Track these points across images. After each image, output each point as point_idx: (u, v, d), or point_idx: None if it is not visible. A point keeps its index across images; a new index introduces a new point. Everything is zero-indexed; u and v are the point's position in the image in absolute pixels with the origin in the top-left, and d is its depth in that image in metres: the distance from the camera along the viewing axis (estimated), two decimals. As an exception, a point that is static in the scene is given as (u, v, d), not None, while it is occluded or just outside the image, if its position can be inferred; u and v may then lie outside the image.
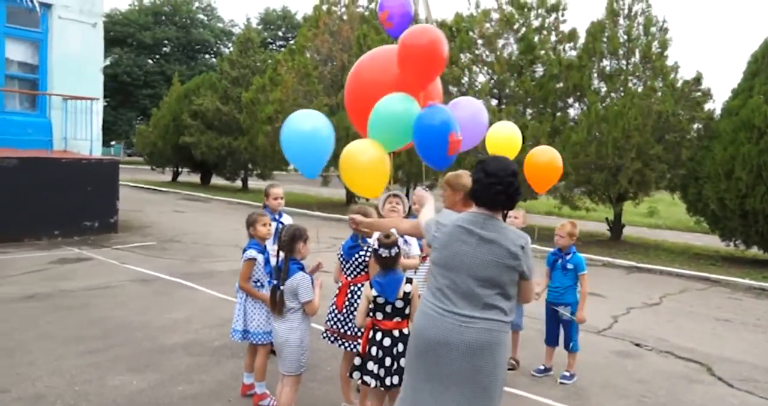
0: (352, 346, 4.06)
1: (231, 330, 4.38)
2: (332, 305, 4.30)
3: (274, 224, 4.79)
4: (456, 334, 2.77)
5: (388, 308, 3.58)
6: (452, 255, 2.86)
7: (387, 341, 3.57)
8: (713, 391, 5.13)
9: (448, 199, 3.84)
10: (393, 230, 3.61)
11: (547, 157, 5.03)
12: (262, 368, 4.31)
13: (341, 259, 4.30)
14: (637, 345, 6.34)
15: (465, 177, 3.68)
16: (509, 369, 5.27)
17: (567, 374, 5.12)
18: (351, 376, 3.72)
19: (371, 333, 3.63)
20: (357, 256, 4.13)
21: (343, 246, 4.31)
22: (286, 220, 5.15)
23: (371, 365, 3.57)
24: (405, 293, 3.58)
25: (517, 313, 5.40)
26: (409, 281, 3.64)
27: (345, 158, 4.02)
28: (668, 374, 5.47)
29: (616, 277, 10.49)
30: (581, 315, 5.06)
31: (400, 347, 3.56)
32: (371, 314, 3.66)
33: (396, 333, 3.58)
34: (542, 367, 5.24)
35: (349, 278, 4.17)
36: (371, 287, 3.62)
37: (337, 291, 4.24)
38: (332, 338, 4.27)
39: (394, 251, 3.57)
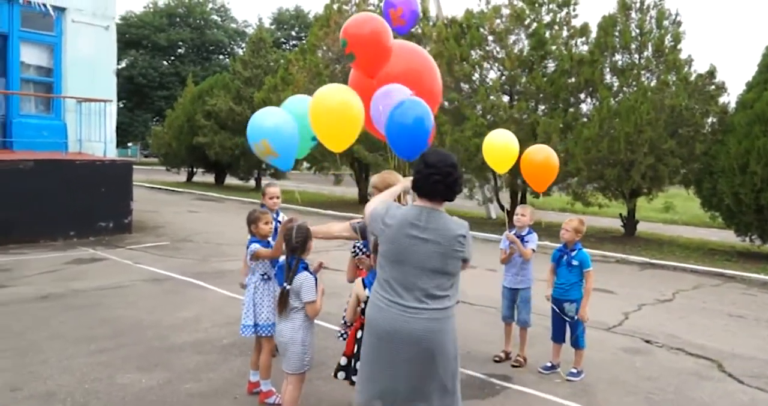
0: None
1: (241, 327, 4.39)
2: None
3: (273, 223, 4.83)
4: (403, 323, 2.92)
5: None
6: (400, 249, 2.99)
7: None
8: (723, 387, 5.08)
9: None
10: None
11: (542, 156, 5.02)
12: (267, 364, 4.35)
13: (362, 254, 4.30)
14: (647, 342, 6.30)
15: (392, 177, 3.82)
16: (516, 366, 5.28)
17: (574, 370, 5.10)
18: (335, 376, 3.74)
19: (360, 332, 3.64)
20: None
21: (364, 242, 4.32)
22: (283, 219, 5.19)
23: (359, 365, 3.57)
24: None
25: (525, 310, 5.41)
26: None
27: (314, 103, 3.91)
28: (677, 371, 5.43)
29: (629, 273, 10.41)
30: (583, 313, 5.05)
31: None
32: (362, 312, 3.67)
33: None
34: (549, 364, 5.23)
35: (360, 279, 4.18)
36: (364, 287, 3.63)
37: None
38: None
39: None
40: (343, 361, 3.70)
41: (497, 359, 5.42)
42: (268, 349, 4.38)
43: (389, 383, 2.97)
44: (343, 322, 4.44)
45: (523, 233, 5.38)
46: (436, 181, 3.01)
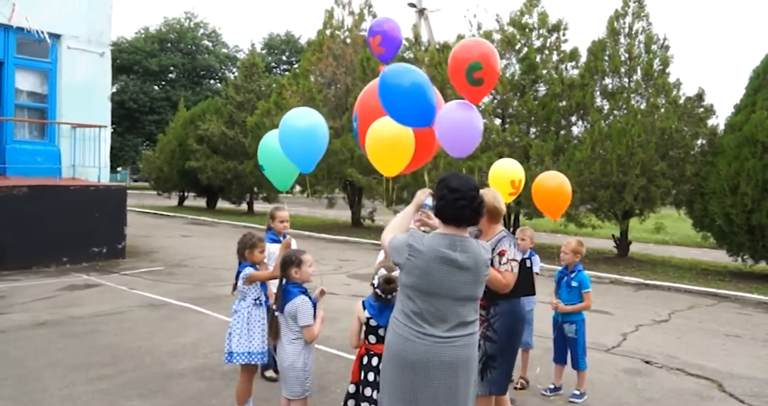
0: None
1: (237, 355, 4.36)
2: None
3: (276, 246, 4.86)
4: (435, 355, 2.88)
5: (381, 332, 3.55)
6: (434, 282, 2.89)
7: None
8: (725, 408, 5.10)
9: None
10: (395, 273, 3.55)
11: (555, 183, 5.00)
12: (242, 390, 4.39)
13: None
14: (647, 362, 6.31)
15: (486, 194, 3.72)
16: (519, 388, 5.27)
17: (577, 392, 5.10)
18: (346, 404, 3.70)
19: (366, 359, 3.63)
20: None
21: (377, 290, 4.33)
22: (291, 243, 5.19)
23: (369, 391, 3.55)
24: None
25: (527, 332, 5.39)
26: None
27: (371, 134, 4.19)
28: (679, 392, 5.44)
29: (624, 294, 10.45)
30: (562, 306, 5.12)
31: None
32: (363, 336, 3.67)
33: None
34: (552, 386, 5.23)
35: (361, 301, 4.20)
36: (364, 309, 3.64)
37: None
38: None
39: (390, 295, 3.57)
40: (352, 389, 3.67)
41: (518, 386, 5.37)
42: (243, 374, 4.40)
43: None
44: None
45: (525, 256, 5.39)
46: (463, 206, 2.95)
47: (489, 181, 5.13)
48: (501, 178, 5.06)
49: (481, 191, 3.25)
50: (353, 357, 4.19)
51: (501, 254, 3.76)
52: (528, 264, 3.92)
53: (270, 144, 4.42)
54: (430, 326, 2.90)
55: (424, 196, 3.39)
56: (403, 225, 3.24)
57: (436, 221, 3.21)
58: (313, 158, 4.27)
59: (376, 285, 3.63)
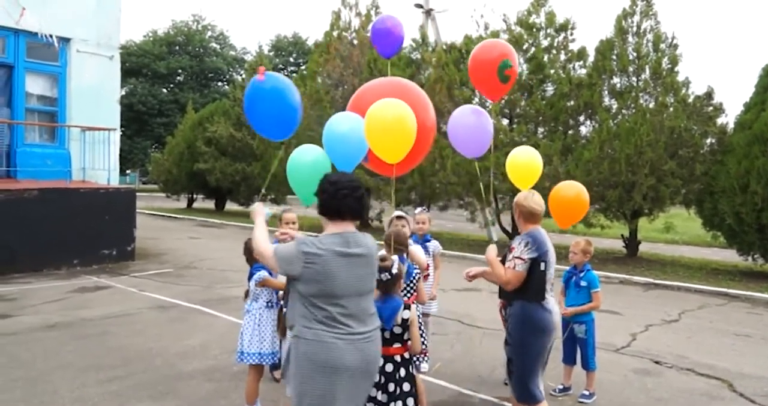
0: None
1: (248, 355, 4.42)
2: None
3: None
4: (359, 352, 2.88)
5: (387, 334, 3.57)
6: (338, 284, 2.84)
7: (389, 367, 3.59)
8: (735, 408, 5.07)
9: (516, 219, 4.09)
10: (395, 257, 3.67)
11: (573, 193, 4.83)
12: (252, 391, 4.42)
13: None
14: (657, 363, 6.28)
15: (518, 197, 4.01)
16: (506, 384, 5.28)
17: (586, 392, 5.08)
18: None
19: None
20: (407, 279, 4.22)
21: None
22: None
23: (374, 392, 3.56)
24: (403, 319, 3.59)
25: None
26: (407, 307, 3.64)
27: (370, 117, 4.01)
28: (689, 392, 5.41)
29: (633, 294, 10.40)
30: (570, 310, 5.07)
31: (402, 371, 3.58)
32: None
33: (398, 358, 3.60)
34: (561, 386, 5.22)
35: None
36: None
37: None
38: None
39: (385, 275, 3.56)
40: None
41: (507, 382, 5.40)
42: (252, 374, 4.44)
43: None
44: None
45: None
46: (345, 195, 2.94)
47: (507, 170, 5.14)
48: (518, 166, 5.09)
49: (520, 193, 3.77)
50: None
51: (510, 251, 3.86)
52: (542, 267, 3.77)
53: (301, 158, 4.25)
54: (347, 326, 2.86)
55: (260, 207, 3.42)
56: (265, 236, 3.13)
57: (292, 233, 3.45)
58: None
59: None
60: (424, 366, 5.38)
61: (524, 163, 5.10)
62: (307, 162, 4.18)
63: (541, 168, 5.12)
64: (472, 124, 4.79)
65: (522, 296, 3.81)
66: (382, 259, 3.63)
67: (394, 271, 3.61)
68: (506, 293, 3.81)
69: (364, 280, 2.95)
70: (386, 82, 4.85)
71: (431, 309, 5.63)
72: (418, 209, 5.89)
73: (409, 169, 5.27)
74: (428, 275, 5.59)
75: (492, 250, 4.04)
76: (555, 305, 3.92)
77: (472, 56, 4.84)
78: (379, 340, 3.05)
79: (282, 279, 4.58)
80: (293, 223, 5.28)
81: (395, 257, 3.69)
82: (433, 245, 5.69)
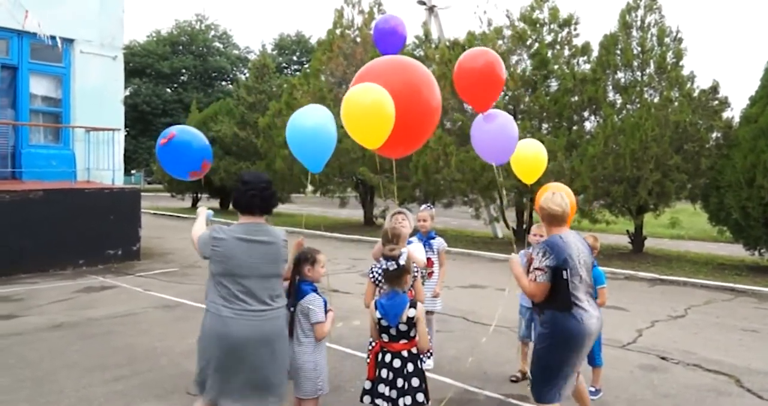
0: None
1: None
2: None
3: None
4: (256, 328, 3.34)
5: (393, 331, 3.60)
6: (238, 264, 3.36)
7: (397, 362, 3.58)
8: (742, 403, 5.04)
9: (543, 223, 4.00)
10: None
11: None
12: None
13: (380, 278, 4.35)
14: (663, 358, 6.26)
15: (541, 199, 3.91)
16: (514, 381, 5.30)
17: (593, 389, 5.06)
18: (362, 400, 3.73)
19: (380, 356, 3.64)
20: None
21: (382, 267, 4.37)
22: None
23: (382, 388, 3.57)
24: (408, 317, 3.58)
25: (526, 324, 5.37)
26: (414, 304, 3.62)
27: (347, 102, 4.03)
28: (696, 387, 5.39)
29: (639, 290, 10.36)
30: None
31: (410, 366, 3.57)
32: (377, 335, 3.70)
33: (405, 353, 3.60)
34: (567, 383, 5.19)
35: (373, 301, 4.21)
36: (375, 308, 3.65)
37: None
38: None
39: (391, 264, 3.61)
40: (368, 385, 3.69)
41: (514, 379, 5.40)
42: None
43: (237, 388, 3.35)
44: (370, 348, 4.47)
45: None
46: (253, 195, 3.44)
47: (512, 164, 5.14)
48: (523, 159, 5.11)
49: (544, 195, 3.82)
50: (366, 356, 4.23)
51: (530, 263, 3.74)
52: (564, 275, 3.59)
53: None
54: (246, 304, 3.34)
55: (204, 209, 4.01)
56: (201, 228, 3.64)
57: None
58: (322, 158, 4.25)
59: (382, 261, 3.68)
60: (429, 363, 5.39)
61: (530, 156, 5.10)
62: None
63: (546, 161, 5.13)
64: (493, 130, 4.81)
65: (551, 306, 3.68)
66: (390, 249, 3.70)
67: (401, 262, 3.63)
68: (540, 307, 3.74)
69: (267, 264, 3.41)
70: (390, 60, 4.74)
71: (436, 307, 5.62)
72: (423, 207, 5.86)
73: (412, 150, 5.21)
74: (433, 272, 5.58)
75: (516, 262, 3.97)
76: (591, 312, 3.68)
77: (458, 64, 4.72)
78: (281, 318, 3.47)
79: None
80: None
81: (405, 250, 3.70)
82: (438, 242, 5.67)
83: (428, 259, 5.53)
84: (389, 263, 3.63)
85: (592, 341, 3.75)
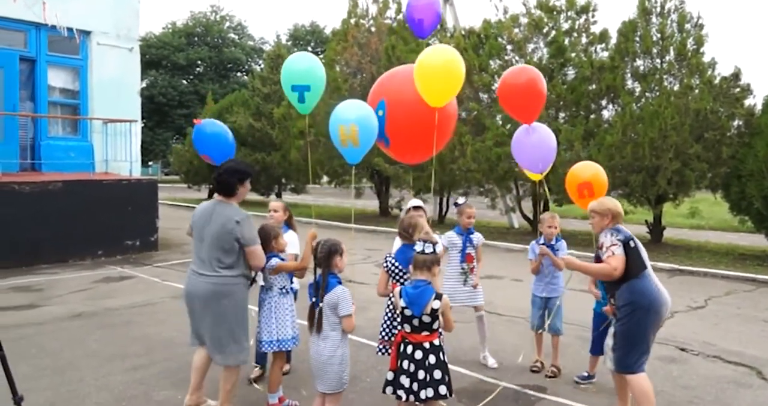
0: None
1: (266, 343, 4.41)
2: (390, 317, 4.38)
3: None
4: (198, 288, 4.06)
5: (415, 322, 3.54)
6: (198, 231, 4.14)
7: (418, 354, 3.54)
8: (764, 395, 4.97)
9: (597, 225, 4.28)
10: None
11: (590, 173, 5.08)
12: (276, 379, 4.45)
13: (395, 268, 4.33)
14: (683, 350, 6.19)
15: (608, 202, 4.31)
16: (551, 377, 5.20)
17: (585, 374, 5.15)
18: (384, 391, 3.70)
19: (402, 347, 3.62)
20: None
21: (397, 256, 4.35)
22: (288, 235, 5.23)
23: (404, 379, 3.53)
24: (433, 309, 3.53)
25: (556, 317, 5.35)
26: (439, 297, 3.55)
27: (421, 61, 4.48)
28: (716, 379, 5.32)
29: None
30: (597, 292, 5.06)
31: (432, 358, 3.53)
32: (400, 326, 3.66)
33: (426, 345, 3.55)
34: (585, 374, 5.16)
35: (398, 288, 4.18)
36: (400, 296, 3.61)
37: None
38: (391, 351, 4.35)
39: (428, 246, 3.61)
40: (390, 376, 3.66)
41: (535, 369, 5.36)
42: (281, 364, 4.48)
43: (195, 328, 4.22)
44: (380, 337, 4.48)
45: (552, 242, 5.34)
46: (218, 181, 4.16)
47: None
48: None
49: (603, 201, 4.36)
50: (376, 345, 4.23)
51: (600, 248, 4.12)
52: (632, 244, 4.05)
53: (294, 67, 4.95)
54: (196, 265, 4.12)
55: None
56: None
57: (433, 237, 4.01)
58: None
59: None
60: (492, 361, 5.50)
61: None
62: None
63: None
64: (532, 144, 5.16)
65: (626, 278, 4.03)
66: (427, 232, 4.09)
67: (438, 248, 3.72)
68: (610, 284, 4.13)
69: (216, 237, 4.01)
70: (411, 68, 4.80)
71: (477, 300, 5.58)
72: (462, 200, 5.71)
73: (428, 156, 5.24)
74: (475, 267, 5.53)
75: (572, 259, 4.25)
76: (660, 285, 4.11)
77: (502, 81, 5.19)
78: (225, 285, 4.02)
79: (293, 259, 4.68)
80: (274, 211, 5.27)
81: (437, 237, 3.72)
82: (477, 236, 5.61)
83: (468, 254, 5.48)
84: (426, 245, 3.59)
85: (667, 310, 4.11)
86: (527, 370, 5.39)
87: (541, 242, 5.36)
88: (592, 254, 5.19)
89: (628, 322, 4.00)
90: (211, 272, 4.02)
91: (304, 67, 4.92)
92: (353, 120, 4.44)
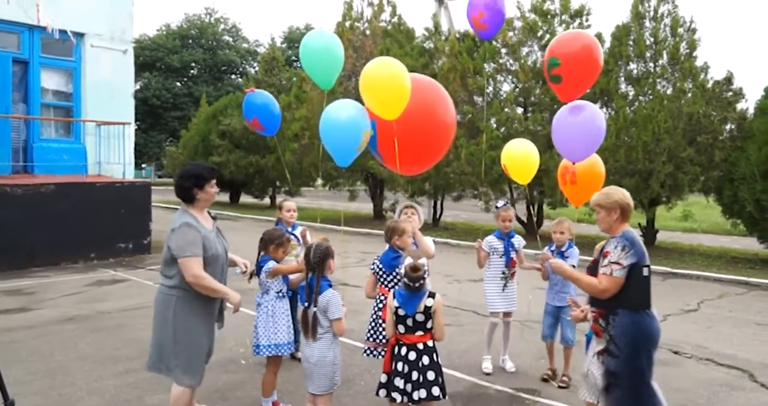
0: None
1: (265, 347, 4.42)
2: (375, 319, 4.36)
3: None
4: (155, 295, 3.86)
5: (409, 322, 3.57)
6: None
7: (412, 355, 3.55)
8: (756, 398, 4.99)
9: (604, 221, 3.61)
10: (422, 261, 3.65)
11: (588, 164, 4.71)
12: (269, 383, 4.44)
13: (380, 271, 4.33)
14: (676, 353, 6.21)
15: (614, 194, 3.59)
16: (563, 387, 5.08)
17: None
18: (377, 393, 3.70)
19: (396, 348, 3.62)
20: (399, 267, 4.16)
21: (381, 259, 4.34)
22: (298, 232, 5.40)
23: (398, 381, 3.55)
24: (426, 307, 3.55)
25: (568, 327, 5.18)
26: (432, 295, 3.59)
27: (366, 74, 4.28)
28: (708, 382, 5.34)
29: (651, 283, 10.26)
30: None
31: (425, 359, 3.54)
32: (393, 326, 3.67)
33: (420, 346, 3.57)
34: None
35: (392, 290, 4.17)
36: (394, 297, 3.63)
37: (381, 305, 4.28)
38: (376, 353, 4.34)
39: (418, 283, 3.58)
40: (383, 378, 3.67)
41: (546, 377, 5.26)
42: (275, 369, 4.47)
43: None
44: (367, 338, 4.47)
45: (563, 249, 5.22)
46: (175, 186, 3.96)
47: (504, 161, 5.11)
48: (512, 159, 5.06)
49: (612, 190, 3.59)
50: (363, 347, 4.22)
51: (604, 256, 3.48)
52: (645, 273, 3.41)
53: (312, 45, 4.87)
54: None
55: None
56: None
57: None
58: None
59: (402, 274, 3.61)
60: (511, 365, 5.46)
61: (521, 156, 5.03)
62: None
63: (538, 160, 5.06)
64: (575, 124, 4.40)
65: (626, 305, 3.42)
66: (414, 269, 3.57)
67: (422, 261, 3.61)
68: (608, 302, 3.43)
69: (166, 244, 3.73)
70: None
71: (513, 306, 5.47)
72: (501, 203, 5.58)
73: (429, 166, 5.25)
74: (515, 272, 5.45)
75: (560, 263, 3.80)
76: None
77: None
78: (164, 297, 3.76)
79: (291, 263, 4.67)
80: (292, 211, 5.46)
81: (423, 261, 3.63)
82: (518, 239, 5.51)
83: (512, 259, 5.42)
84: (416, 284, 3.58)
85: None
86: (522, 374, 5.38)
87: (552, 247, 5.27)
88: (587, 258, 5.18)
89: (631, 361, 3.37)
90: (161, 280, 3.83)
91: (324, 44, 4.89)
92: (369, 125, 4.53)
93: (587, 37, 4.37)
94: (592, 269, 3.61)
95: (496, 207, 5.60)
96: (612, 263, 3.40)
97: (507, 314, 5.51)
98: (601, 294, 3.43)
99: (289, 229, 5.40)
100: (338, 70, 4.95)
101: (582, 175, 4.68)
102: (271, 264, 4.38)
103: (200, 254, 3.65)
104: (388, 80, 4.17)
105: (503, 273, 5.38)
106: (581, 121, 4.39)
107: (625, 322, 3.40)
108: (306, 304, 3.76)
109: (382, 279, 4.35)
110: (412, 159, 4.83)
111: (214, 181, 3.94)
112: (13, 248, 10.03)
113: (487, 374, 5.35)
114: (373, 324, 4.47)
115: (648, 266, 3.44)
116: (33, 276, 9.63)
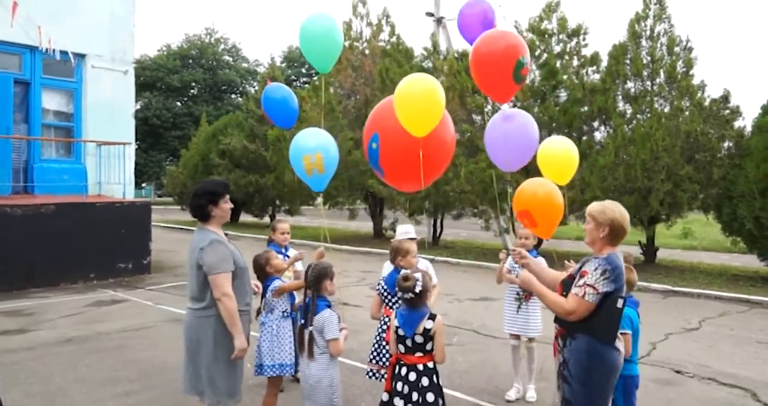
0: None
1: (269, 367, 4.41)
2: (379, 340, 4.35)
3: (281, 257, 4.99)
4: (186, 322, 3.74)
5: (408, 342, 3.55)
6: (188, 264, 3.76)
7: (412, 376, 3.53)
8: (760, 418, 4.96)
9: (590, 234, 3.32)
10: (417, 275, 3.64)
11: (543, 192, 4.37)
12: (268, 403, 4.44)
13: (385, 292, 4.32)
14: (678, 372, 6.17)
15: (610, 211, 3.28)
16: None
17: None
18: None
19: (396, 368, 3.61)
20: None
21: (386, 280, 4.34)
22: (292, 254, 5.29)
23: (398, 401, 3.53)
24: (425, 329, 3.53)
25: None
26: (432, 317, 3.56)
27: (400, 90, 4.20)
28: (711, 402, 5.31)
29: (651, 301, 10.24)
30: None
31: (425, 380, 3.52)
32: (395, 346, 3.66)
33: (420, 367, 3.55)
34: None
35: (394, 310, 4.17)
36: (395, 317, 3.63)
37: (386, 327, 4.26)
38: (379, 375, 4.32)
39: (409, 295, 3.56)
40: (385, 397, 3.65)
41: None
42: (275, 390, 4.48)
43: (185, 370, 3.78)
44: (369, 359, 4.46)
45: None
46: (190, 205, 3.84)
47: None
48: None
49: (606, 205, 3.31)
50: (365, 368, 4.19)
51: (582, 275, 3.19)
52: (619, 304, 3.12)
53: (311, 27, 4.84)
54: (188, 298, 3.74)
55: None
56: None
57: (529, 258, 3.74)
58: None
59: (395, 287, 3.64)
60: (531, 394, 5.20)
61: (559, 154, 4.80)
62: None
63: (577, 159, 4.86)
64: (507, 133, 4.41)
65: (589, 332, 3.16)
66: (405, 278, 3.58)
67: (417, 290, 3.55)
68: (569, 322, 3.19)
69: (191, 266, 3.68)
70: None
71: (532, 331, 5.22)
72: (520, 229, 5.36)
73: (428, 183, 5.24)
74: (530, 294, 5.13)
75: (528, 276, 3.43)
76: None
77: (475, 50, 4.38)
78: (199, 322, 3.63)
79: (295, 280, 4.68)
80: (286, 233, 5.41)
81: (418, 275, 3.62)
82: (538, 260, 5.35)
83: None
84: (406, 295, 3.58)
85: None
86: (541, 403, 5.32)
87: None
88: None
89: (584, 390, 3.16)
90: (191, 305, 3.69)
91: (323, 27, 4.89)
92: (316, 148, 4.59)
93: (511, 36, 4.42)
94: (566, 284, 3.33)
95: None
96: (587, 285, 3.12)
97: (530, 339, 5.28)
98: (566, 315, 3.16)
99: (282, 250, 5.38)
100: (337, 53, 5.02)
101: (539, 214, 4.44)
102: (276, 283, 4.39)
103: (231, 270, 3.64)
104: (423, 97, 4.11)
105: (518, 294, 5.24)
106: (514, 129, 4.47)
107: (582, 348, 3.16)
108: (302, 321, 3.77)
109: (386, 300, 4.34)
110: (410, 176, 4.82)
111: (228, 196, 3.88)
112: (12, 269, 10.00)
113: (508, 401, 5.18)
114: (376, 346, 4.46)
115: (624, 298, 3.17)
116: (32, 297, 9.60)
